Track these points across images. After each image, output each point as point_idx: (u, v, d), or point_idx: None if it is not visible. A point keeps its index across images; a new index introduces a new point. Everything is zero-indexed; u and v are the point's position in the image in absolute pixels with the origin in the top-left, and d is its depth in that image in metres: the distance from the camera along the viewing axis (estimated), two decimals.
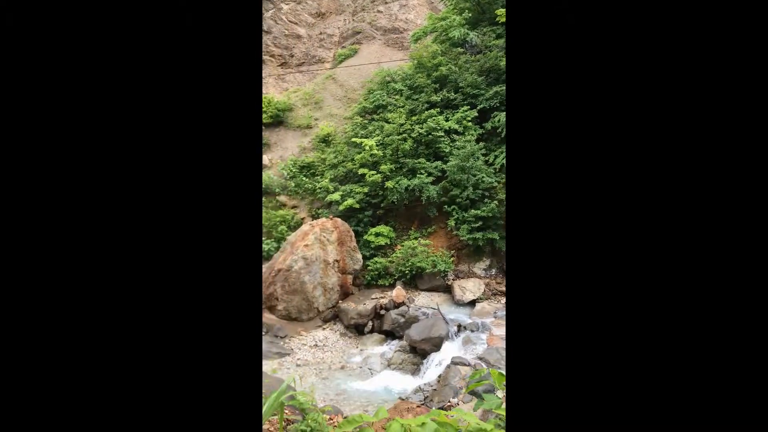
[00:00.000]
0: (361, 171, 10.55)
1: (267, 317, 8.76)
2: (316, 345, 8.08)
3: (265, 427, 2.25)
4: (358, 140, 11.03)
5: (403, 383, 6.86)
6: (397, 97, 12.13)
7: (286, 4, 16.05)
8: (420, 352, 7.33)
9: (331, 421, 3.47)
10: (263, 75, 15.17)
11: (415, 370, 7.11)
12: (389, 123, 11.20)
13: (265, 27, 15.67)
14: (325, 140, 12.26)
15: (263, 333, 8.41)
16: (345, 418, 3.87)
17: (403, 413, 3.02)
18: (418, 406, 3.27)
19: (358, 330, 8.47)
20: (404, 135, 10.70)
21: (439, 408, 5.10)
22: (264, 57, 15.47)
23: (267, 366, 7.13)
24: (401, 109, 11.43)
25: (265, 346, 7.90)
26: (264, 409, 1.84)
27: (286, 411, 2.39)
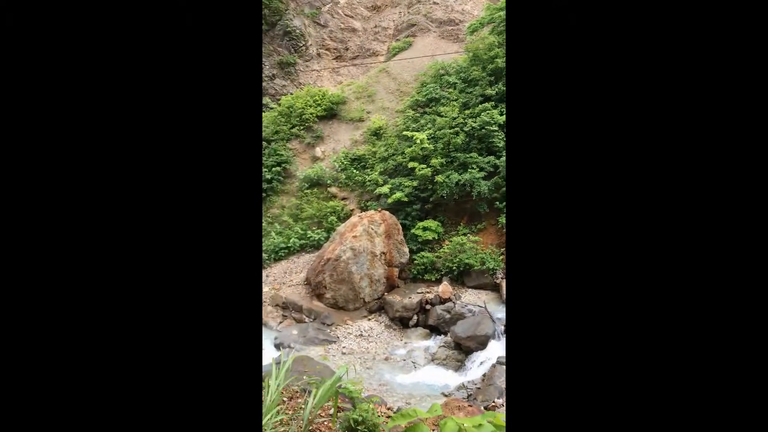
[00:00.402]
0: (411, 164, 10.52)
1: (315, 304, 9.04)
2: (361, 335, 8.23)
3: (317, 412, 2.34)
4: (409, 133, 11.00)
5: (446, 379, 6.84)
6: (450, 90, 11.94)
7: None
8: (465, 349, 7.27)
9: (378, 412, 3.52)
10: (318, 68, 15.49)
11: (459, 367, 7.06)
12: (441, 116, 11.06)
13: (321, 21, 15.96)
14: (377, 133, 12.33)
15: (311, 319, 8.70)
16: (397, 411, 3.92)
17: (454, 411, 3.02)
18: (469, 405, 3.25)
19: (402, 323, 8.53)
20: (456, 129, 10.53)
21: (483, 407, 5.04)
22: (320, 51, 15.78)
23: (314, 352, 7.38)
24: (454, 103, 11.24)
25: (312, 333, 8.17)
26: (319, 395, 1.91)
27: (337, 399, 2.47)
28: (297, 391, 3.16)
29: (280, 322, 8.79)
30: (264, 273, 10.25)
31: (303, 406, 2.58)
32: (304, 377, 3.35)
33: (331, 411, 2.46)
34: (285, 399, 2.74)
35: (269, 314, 9.00)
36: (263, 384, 2.51)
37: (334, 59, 15.93)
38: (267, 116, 13.31)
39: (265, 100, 14.56)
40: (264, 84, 14.82)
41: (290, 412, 2.38)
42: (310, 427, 2.08)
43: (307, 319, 8.75)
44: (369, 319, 8.77)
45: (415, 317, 8.53)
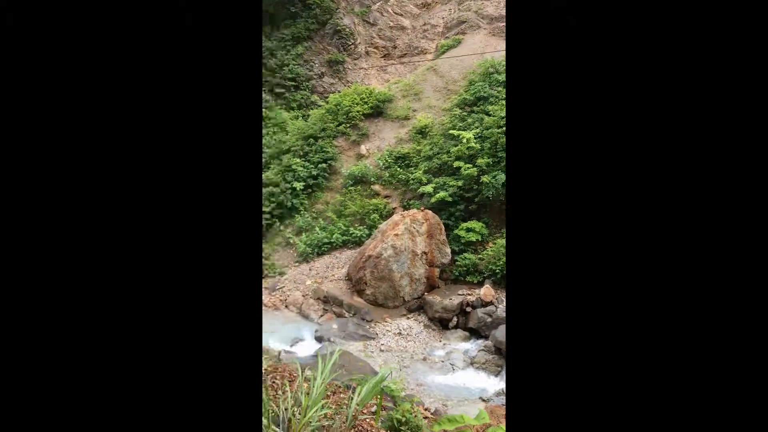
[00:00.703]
0: (456, 164, 10.38)
1: (355, 300, 9.15)
2: (399, 333, 8.25)
3: (360, 409, 2.36)
4: (455, 132, 10.85)
5: (485, 383, 6.71)
6: (499, 88, 11.65)
7: None
8: (505, 354, 7.10)
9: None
10: (366, 67, 15.62)
11: (499, 372, 6.90)
12: (490, 115, 10.82)
13: (371, 19, 16.07)
14: (422, 132, 12.27)
15: (351, 314, 8.82)
16: (435, 412, 3.90)
17: (500, 419, 2.95)
18: None
19: (442, 324, 8.46)
20: (505, 128, 10.26)
21: None
22: (368, 49, 15.90)
23: (353, 347, 7.48)
24: (503, 102, 10.96)
25: (351, 328, 8.28)
26: (363, 392, 1.93)
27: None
28: (339, 386, 3.22)
29: (321, 315, 8.99)
30: (307, 266, 10.50)
31: (346, 402, 2.62)
32: (343, 371, 3.40)
33: (372, 408, 2.48)
34: (329, 393, 2.81)
35: (311, 307, 9.21)
36: (309, 376, 2.58)
37: (382, 57, 16.00)
38: (315, 114, 13.59)
39: (314, 97, 14.88)
40: (313, 82, 15.14)
41: (333, 407, 2.43)
42: (354, 423, 2.12)
43: (347, 314, 8.89)
44: (408, 318, 8.77)
45: (455, 319, 8.42)
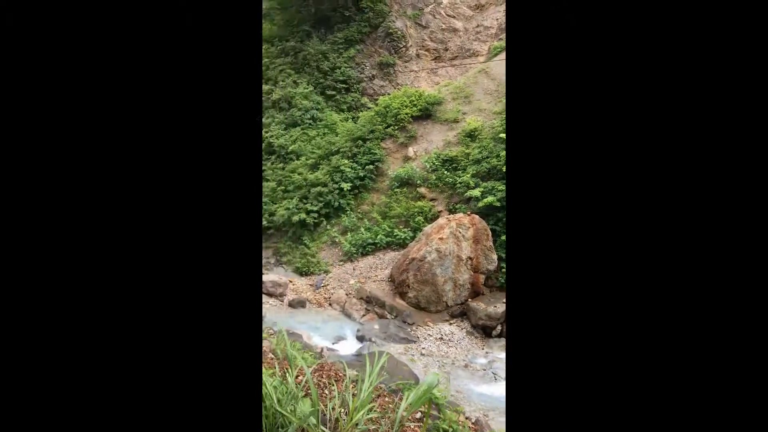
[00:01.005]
0: (505, 168, 10.13)
1: (397, 302, 9.18)
2: (441, 338, 8.17)
3: (407, 416, 2.38)
4: (505, 136, 10.59)
5: None
6: None
7: None
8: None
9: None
10: (417, 69, 15.61)
11: None
12: None
13: (423, 22, 16.04)
14: (471, 135, 12.08)
15: (393, 316, 8.85)
16: (476, 422, 3.84)
17: None
18: None
19: (485, 331, 8.29)
20: None
21: None
22: (419, 51, 15.88)
23: (393, 349, 7.51)
24: None
25: (393, 329, 8.31)
26: (410, 399, 1.93)
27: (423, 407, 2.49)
28: (384, 390, 3.25)
29: (363, 315, 9.09)
30: (351, 266, 10.67)
31: (391, 406, 2.64)
32: (385, 373, 3.42)
33: (416, 415, 2.48)
34: (374, 396, 2.84)
35: (353, 306, 9.35)
36: (354, 376, 2.62)
37: (432, 60, 15.93)
38: (364, 116, 13.76)
39: (364, 99, 15.07)
40: (363, 84, 15.34)
41: (379, 410, 2.46)
42: (400, 429, 2.13)
43: (388, 316, 8.93)
44: (450, 323, 8.67)
45: (499, 327, 8.23)
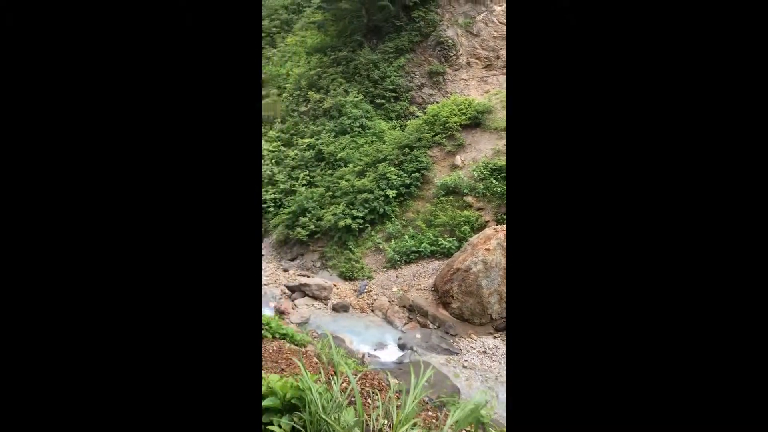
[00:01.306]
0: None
1: (440, 312, 9.08)
2: (485, 352, 7.98)
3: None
4: None
5: None
6: None
7: (499, 6, 15.91)
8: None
9: None
10: (467, 77, 15.47)
11: None
12: None
13: (474, 30, 15.90)
14: None
15: (435, 326, 8.76)
16: None
17: None
18: None
19: None
20: None
21: None
22: (470, 60, 15.75)
23: (435, 359, 7.42)
24: None
25: (435, 340, 8.22)
26: (456, 416, 1.91)
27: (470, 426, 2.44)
28: (428, 404, 3.22)
29: (405, 324, 9.07)
30: (395, 273, 10.69)
31: (434, 422, 2.62)
32: (426, 384, 3.39)
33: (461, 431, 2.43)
34: (417, 411, 2.82)
35: (395, 314, 9.35)
36: (397, 386, 2.62)
37: (483, 68, 15.73)
38: (411, 124, 13.82)
39: (412, 108, 15.14)
40: (412, 93, 15.42)
41: (423, 426, 2.45)
42: None
43: (431, 325, 8.85)
44: (495, 337, 8.45)
45: None
